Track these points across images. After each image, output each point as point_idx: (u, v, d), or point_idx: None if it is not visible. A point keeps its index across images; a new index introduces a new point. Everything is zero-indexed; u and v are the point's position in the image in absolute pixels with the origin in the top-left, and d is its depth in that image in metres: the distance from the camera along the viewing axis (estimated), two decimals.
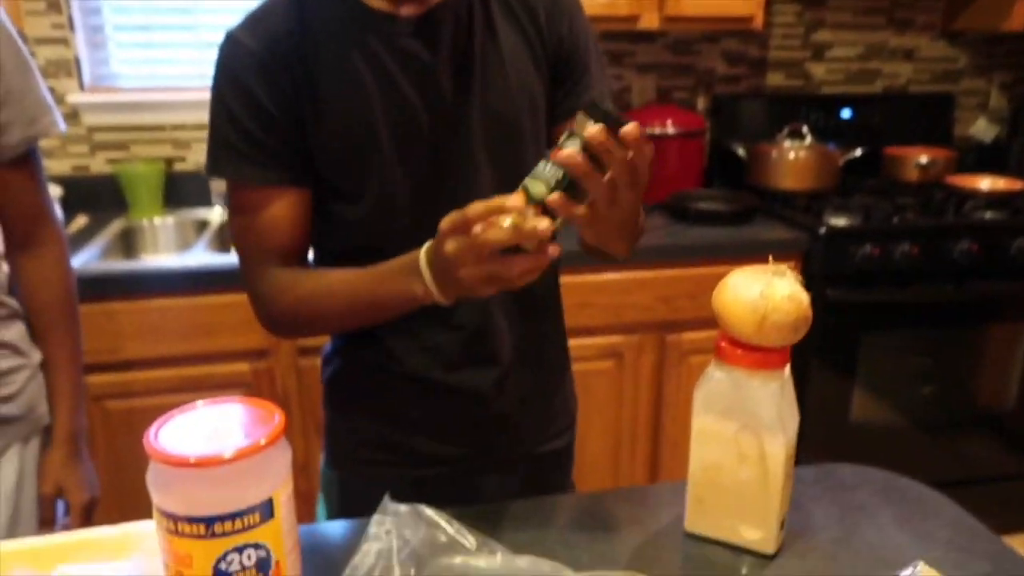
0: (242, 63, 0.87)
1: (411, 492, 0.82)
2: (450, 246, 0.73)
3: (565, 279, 1.09)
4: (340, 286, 0.90)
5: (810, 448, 2.04)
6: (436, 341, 0.97)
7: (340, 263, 0.93)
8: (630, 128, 0.67)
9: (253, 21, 0.89)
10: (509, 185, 0.77)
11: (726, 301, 0.78)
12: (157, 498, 0.58)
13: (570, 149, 0.68)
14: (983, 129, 2.74)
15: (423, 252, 0.80)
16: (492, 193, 0.74)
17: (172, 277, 1.74)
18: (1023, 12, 2.33)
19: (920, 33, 2.65)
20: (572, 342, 1.12)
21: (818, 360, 2.07)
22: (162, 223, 2.13)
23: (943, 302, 2.09)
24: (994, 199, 2.21)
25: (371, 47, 0.88)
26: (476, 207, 0.71)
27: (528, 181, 0.70)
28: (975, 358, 2.20)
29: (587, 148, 0.68)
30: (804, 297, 0.78)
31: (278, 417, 0.62)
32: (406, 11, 0.88)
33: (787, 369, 0.80)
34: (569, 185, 0.69)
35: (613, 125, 0.67)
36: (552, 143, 0.92)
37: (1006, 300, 2.14)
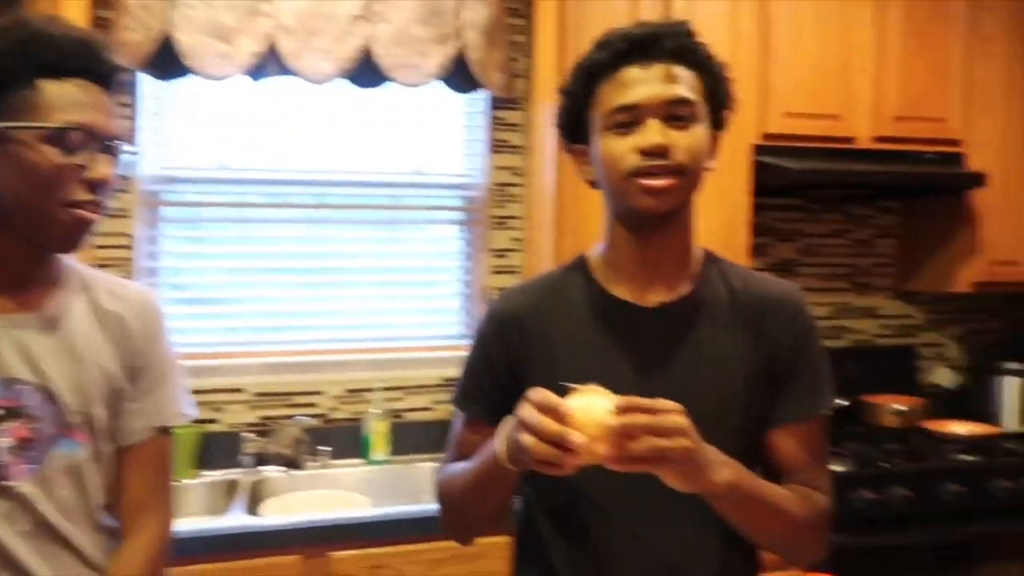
0: (489, 321, 1.12)
1: None
2: (525, 411, 0.86)
3: None
4: (461, 469, 1.08)
5: None
6: None
7: (544, 516, 1.10)
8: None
9: (516, 289, 1.16)
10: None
11: None
12: None
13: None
14: (945, 377, 2.99)
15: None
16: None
17: (203, 541, 1.79)
18: (965, 277, 2.66)
19: (878, 294, 2.99)
20: None
21: None
22: (193, 484, 2.21)
23: (941, 544, 2.18)
24: (973, 443, 2.40)
25: (605, 329, 1.06)
26: (564, 406, 0.85)
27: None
28: None
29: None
30: None
31: None
32: (650, 301, 1.06)
33: None
34: None
35: None
36: (765, 446, 1.09)
37: (998, 540, 2.24)
